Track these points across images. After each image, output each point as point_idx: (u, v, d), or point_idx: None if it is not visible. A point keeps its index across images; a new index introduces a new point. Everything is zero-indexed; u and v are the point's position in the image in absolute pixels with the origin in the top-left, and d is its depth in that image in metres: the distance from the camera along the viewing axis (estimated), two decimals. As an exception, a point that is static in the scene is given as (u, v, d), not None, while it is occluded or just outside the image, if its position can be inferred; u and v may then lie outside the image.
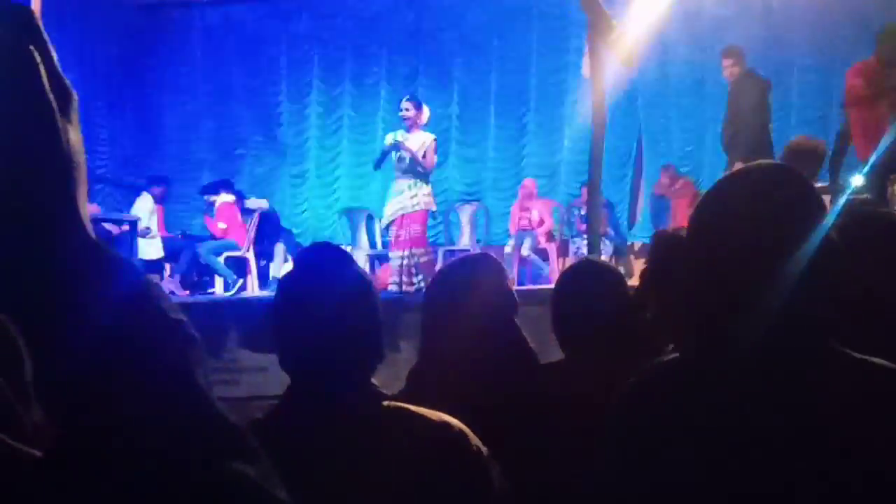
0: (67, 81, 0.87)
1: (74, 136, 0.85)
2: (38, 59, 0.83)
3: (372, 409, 1.88)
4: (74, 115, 0.87)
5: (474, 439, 1.91)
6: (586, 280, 2.69)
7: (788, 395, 1.39)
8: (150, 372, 0.78)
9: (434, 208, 8.70)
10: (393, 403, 1.92)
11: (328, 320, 1.85)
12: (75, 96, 0.88)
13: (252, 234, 10.72)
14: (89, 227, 0.83)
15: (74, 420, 0.78)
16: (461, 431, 1.90)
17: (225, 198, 10.79)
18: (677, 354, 1.63)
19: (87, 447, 0.77)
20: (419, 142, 8.27)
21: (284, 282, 1.99)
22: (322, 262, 1.94)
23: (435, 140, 8.44)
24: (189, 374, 0.81)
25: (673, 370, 1.58)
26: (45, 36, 0.86)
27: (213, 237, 10.78)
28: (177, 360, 0.81)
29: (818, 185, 6.41)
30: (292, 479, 1.67)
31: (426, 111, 8.49)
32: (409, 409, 1.90)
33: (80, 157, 0.85)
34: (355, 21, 13.47)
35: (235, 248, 10.60)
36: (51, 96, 0.83)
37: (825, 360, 1.42)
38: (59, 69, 0.87)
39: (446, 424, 1.89)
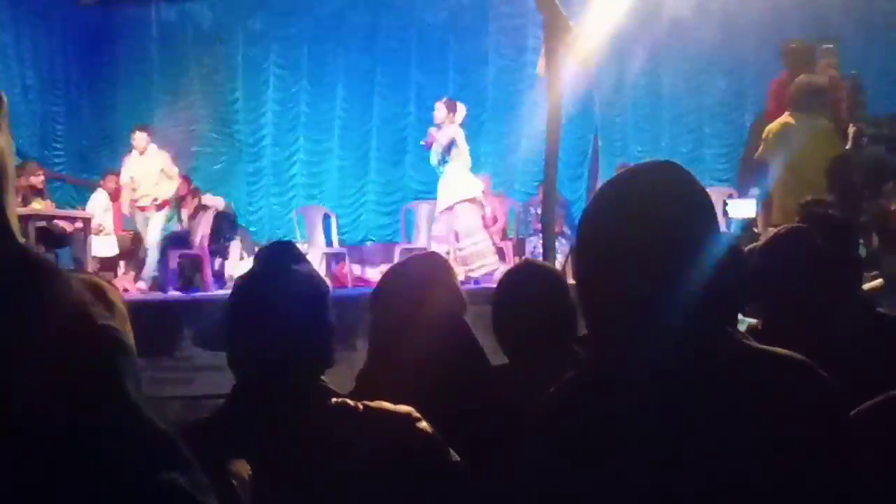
0: (-4, 87, 0.86)
1: (3, 141, 0.84)
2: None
3: (320, 406, 1.89)
4: (3, 121, 0.86)
5: (424, 422, 1.95)
6: (524, 283, 2.68)
7: (700, 395, 1.39)
8: (75, 381, 0.77)
9: (476, 196, 9.28)
10: (340, 400, 1.94)
11: (283, 320, 1.88)
12: (5, 100, 0.87)
13: (208, 231, 10.63)
14: (18, 233, 0.82)
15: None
16: (409, 415, 1.94)
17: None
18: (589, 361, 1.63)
19: (13, 458, 0.76)
20: (447, 135, 9.12)
21: (242, 280, 2.00)
22: (280, 262, 1.96)
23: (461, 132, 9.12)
24: (117, 382, 0.80)
25: (587, 378, 1.58)
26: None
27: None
28: (104, 368, 0.80)
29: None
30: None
31: (460, 110, 9.27)
32: (356, 405, 1.92)
33: (9, 162, 0.84)
34: (312, 19, 13.43)
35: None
36: None
37: (731, 356, 1.43)
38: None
39: (394, 411, 1.93)
